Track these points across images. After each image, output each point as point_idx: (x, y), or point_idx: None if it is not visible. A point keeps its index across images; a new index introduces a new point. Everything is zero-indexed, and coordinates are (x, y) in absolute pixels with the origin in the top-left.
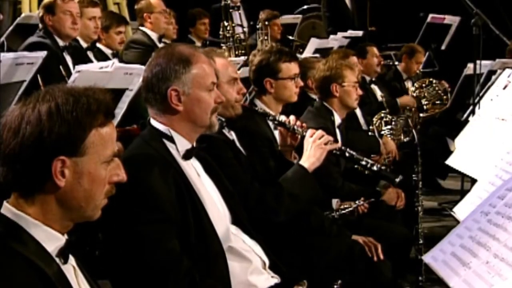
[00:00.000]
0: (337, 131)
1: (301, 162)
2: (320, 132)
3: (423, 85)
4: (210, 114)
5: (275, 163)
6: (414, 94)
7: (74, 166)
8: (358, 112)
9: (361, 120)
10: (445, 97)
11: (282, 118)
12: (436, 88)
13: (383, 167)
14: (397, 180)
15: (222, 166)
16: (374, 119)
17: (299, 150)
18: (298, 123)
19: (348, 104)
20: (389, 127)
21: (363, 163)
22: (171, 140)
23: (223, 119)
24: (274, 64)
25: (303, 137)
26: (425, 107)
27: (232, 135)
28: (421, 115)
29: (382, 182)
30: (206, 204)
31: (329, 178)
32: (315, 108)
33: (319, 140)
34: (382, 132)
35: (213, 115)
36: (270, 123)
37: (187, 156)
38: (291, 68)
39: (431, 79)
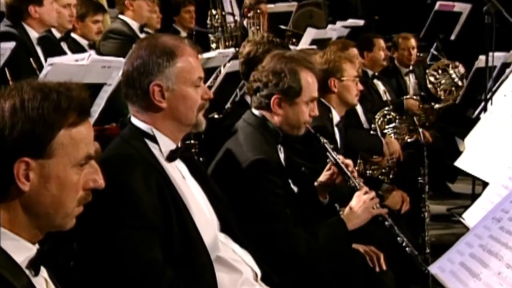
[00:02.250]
0: (336, 129)
1: (344, 217)
2: (372, 193)
3: (438, 71)
4: (196, 111)
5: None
6: (429, 81)
7: (40, 168)
8: (358, 109)
9: (362, 118)
10: (460, 83)
11: (340, 156)
12: (452, 75)
13: (415, 253)
14: (420, 261)
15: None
16: (377, 117)
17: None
18: (355, 173)
19: (348, 100)
20: (392, 125)
21: (399, 239)
22: (154, 140)
23: (281, 134)
24: (262, 56)
25: (354, 188)
26: (441, 96)
27: (282, 154)
28: (436, 106)
29: (385, 185)
30: (192, 210)
31: None
32: None
33: (370, 202)
34: (385, 131)
35: (199, 113)
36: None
37: (171, 157)
38: None
39: (446, 63)
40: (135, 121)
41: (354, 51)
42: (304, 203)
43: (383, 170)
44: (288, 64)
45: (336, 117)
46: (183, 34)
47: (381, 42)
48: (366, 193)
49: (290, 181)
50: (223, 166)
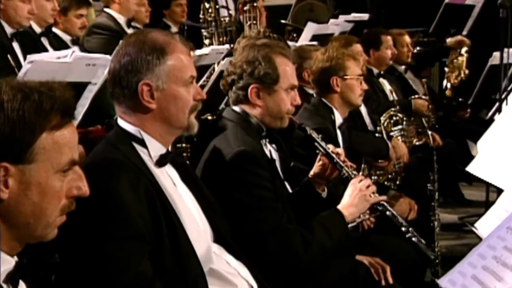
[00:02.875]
0: (338, 132)
1: (340, 207)
2: (368, 181)
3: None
4: (188, 113)
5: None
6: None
7: (20, 175)
8: (363, 109)
9: (367, 119)
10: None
11: (330, 146)
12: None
13: (422, 242)
14: (432, 256)
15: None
16: (382, 118)
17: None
18: (348, 162)
19: (351, 100)
20: (399, 127)
21: (403, 229)
22: (142, 143)
23: (264, 128)
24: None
25: (347, 179)
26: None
27: (270, 149)
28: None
29: (391, 192)
30: (183, 219)
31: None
32: (312, 105)
33: (366, 190)
34: (392, 134)
35: (191, 115)
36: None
37: (161, 162)
38: None
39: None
40: (122, 123)
41: (358, 47)
42: (301, 200)
43: (389, 176)
44: (261, 51)
45: (338, 119)
46: (174, 29)
47: (389, 41)
48: (361, 181)
49: (285, 182)
50: (209, 163)
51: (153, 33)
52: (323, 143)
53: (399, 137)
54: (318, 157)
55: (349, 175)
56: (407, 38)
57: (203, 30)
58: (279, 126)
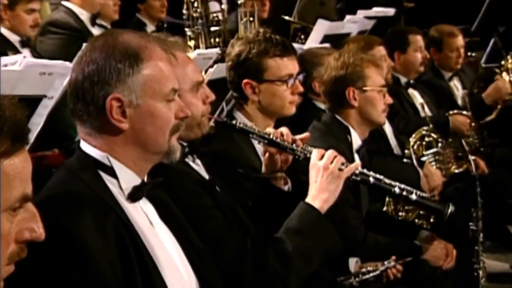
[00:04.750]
0: (356, 156)
1: (309, 200)
2: (331, 152)
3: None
4: (168, 134)
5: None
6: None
7: None
8: (387, 129)
9: (392, 141)
10: None
11: (269, 131)
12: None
13: (425, 195)
14: (449, 211)
15: (192, 217)
16: (412, 140)
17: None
18: (299, 142)
19: (372, 117)
20: (433, 150)
21: (396, 190)
22: (111, 172)
23: (185, 144)
24: (256, 59)
25: (305, 159)
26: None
27: (199, 166)
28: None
29: (423, 233)
30: (162, 267)
31: (345, 226)
32: (324, 123)
33: (331, 165)
34: (424, 159)
35: (173, 137)
36: (256, 143)
37: (134, 196)
38: (284, 65)
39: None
40: (85, 147)
41: (380, 50)
42: (261, 206)
43: (421, 212)
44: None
45: (356, 140)
46: (151, 27)
47: (419, 41)
48: (322, 157)
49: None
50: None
51: (125, 34)
52: (260, 132)
53: (433, 163)
54: (263, 150)
55: (305, 154)
56: (460, 40)
57: (186, 29)
58: (200, 134)
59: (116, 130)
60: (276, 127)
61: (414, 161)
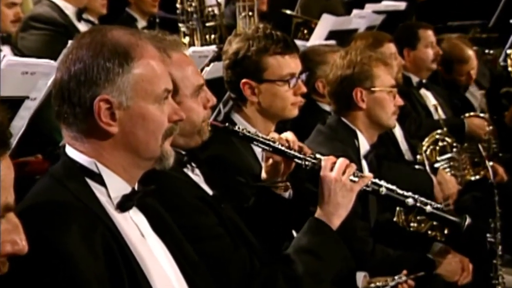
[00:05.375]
0: (364, 162)
1: (320, 215)
2: (342, 161)
3: None
4: (161, 139)
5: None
6: None
7: None
8: (397, 132)
9: (403, 146)
10: None
11: (274, 137)
12: None
13: (440, 206)
14: (466, 223)
15: (194, 236)
16: (424, 144)
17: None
18: (306, 149)
19: (381, 120)
20: (448, 156)
21: (409, 202)
22: (99, 180)
23: (184, 152)
24: (256, 57)
25: (314, 169)
26: None
27: (198, 177)
28: None
29: (436, 246)
30: (154, 281)
31: (352, 238)
32: (328, 126)
33: (343, 176)
34: (437, 165)
35: (166, 141)
36: (257, 149)
37: (124, 205)
38: (285, 63)
39: None
40: (71, 152)
41: (390, 48)
42: (261, 216)
43: (434, 223)
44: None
45: (364, 145)
46: (142, 22)
47: (431, 36)
48: (332, 165)
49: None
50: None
51: (114, 31)
52: (264, 138)
53: (448, 170)
54: (264, 157)
55: (313, 164)
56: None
57: (180, 25)
58: (200, 141)
59: (105, 134)
60: (277, 130)
61: (427, 168)
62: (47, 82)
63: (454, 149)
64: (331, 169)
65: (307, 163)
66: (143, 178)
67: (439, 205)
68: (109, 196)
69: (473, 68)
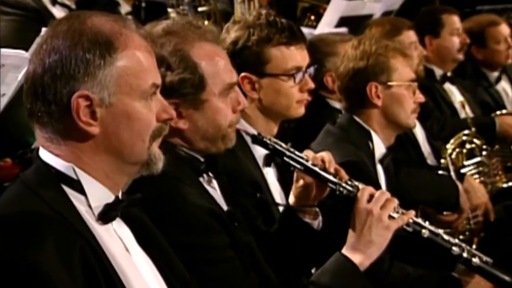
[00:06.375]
0: (379, 167)
1: (348, 251)
2: (382, 193)
3: None
4: (149, 140)
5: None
6: None
7: None
8: (418, 133)
9: (424, 148)
10: None
11: (309, 155)
12: None
13: (489, 259)
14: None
15: (201, 256)
16: (449, 147)
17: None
18: (343, 173)
19: (399, 119)
20: (476, 160)
21: (455, 250)
22: (78, 187)
23: (202, 159)
24: (257, 47)
25: (349, 197)
26: None
27: (214, 190)
28: None
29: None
30: None
31: None
32: (339, 126)
33: (382, 211)
34: (464, 170)
35: (154, 143)
36: (257, 149)
37: (106, 216)
38: (291, 55)
39: None
40: (46, 155)
41: (410, 36)
42: (282, 243)
43: (461, 237)
44: (166, 46)
45: (380, 148)
46: (126, 7)
47: (456, 21)
48: (371, 196)
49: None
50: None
51: (94, 17)
52: (296, 155)
53: (476, 176)
54: (295, 177)
55: (349, 191)
56: (504, 29)
57: (170, 10)
58: (224, 148)
59: (84, 135)
60: (281, 130)
61: (452, 174)
62: (17, 76)
63: (484, 152)
64: (369, 201)
65: (342, 189)
66: (141, 185)
67: (489, 259)
68: (89, 205)
69: (508, 34)
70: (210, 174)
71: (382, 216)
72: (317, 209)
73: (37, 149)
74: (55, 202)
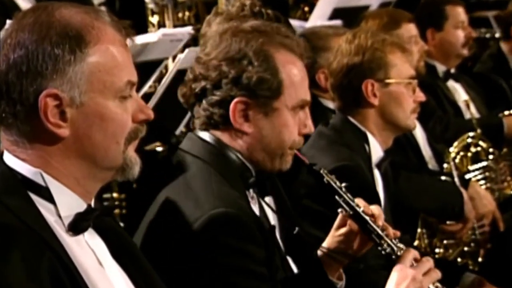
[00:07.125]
0: (376, 172)
1: None
2: (428, 261)
3: None
4: (124, 143)
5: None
6: None
7: None
8: (419, 135)
9: (425, 152)
10: None
11: (360, 202)
12: None
13: None
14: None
15: (227, 266)
16: (453, 150)
17: None
18: (390, 230)
19: (397, 120)
20: (482, 164)
21: None
22: (46, 195)
23: (253, 172)
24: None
25: (390, 256)
26: None
27: (255, 207)
28: None
29: (468, 277)
30: None
31: (362, 269)
32: (333, 128)
33: (424, 279)
34: (469, 176)
35: (130, 146)
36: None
37: (77, 226)
38: None
39: None
40: (10, 160)
41: (410, 29)
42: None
43: (465, 248)
44: (252, 43)
45: (376, 151)
46: None
47: (460, 13)
48: (415, 261)
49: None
50: (160, 232)
51: (63, 9)
52: (348, 197)
53: (482, 182)
54: (339, 218)
55: (393, 250)
56: None
57: (147, 0)
58: (277, 168)
59: (53, 137)
60: None
61: (456, 179)
62: None
63: (490, 156)
64: (412, 264)
65: (386, 246)
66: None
67: None
68: (58, 215)
69: None
70: (255, 190)
71: (424, 284)
72: (342, 272)
73: (1, 154)
74: (21, 211)
